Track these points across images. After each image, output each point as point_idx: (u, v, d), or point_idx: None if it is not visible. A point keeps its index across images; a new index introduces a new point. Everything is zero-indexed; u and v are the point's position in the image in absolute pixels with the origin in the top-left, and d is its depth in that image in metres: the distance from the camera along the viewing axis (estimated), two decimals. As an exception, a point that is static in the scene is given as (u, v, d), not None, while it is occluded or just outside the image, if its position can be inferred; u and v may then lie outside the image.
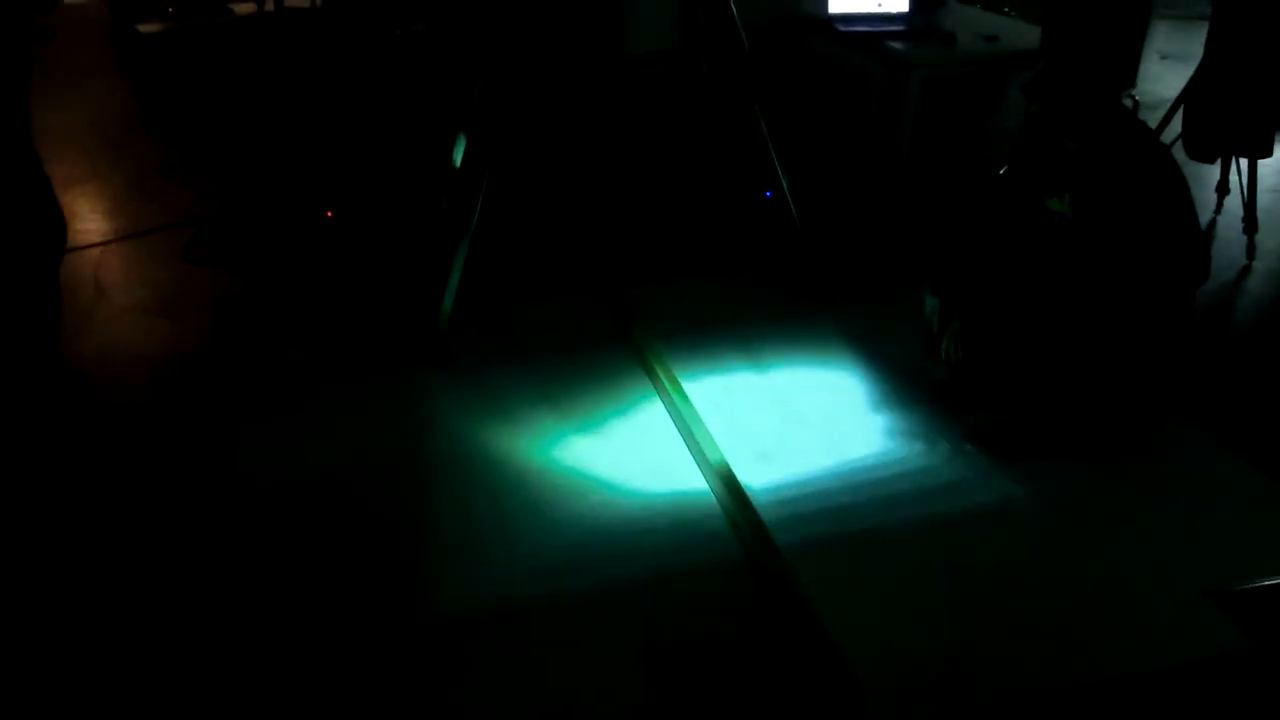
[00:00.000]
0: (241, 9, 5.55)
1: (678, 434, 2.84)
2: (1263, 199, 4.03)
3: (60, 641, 2.18)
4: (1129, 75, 4.65)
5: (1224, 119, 3.81)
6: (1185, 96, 3.96)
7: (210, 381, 3.09)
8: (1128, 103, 4.79)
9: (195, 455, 2.77)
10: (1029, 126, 2.84)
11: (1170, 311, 2.76)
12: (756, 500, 2.54)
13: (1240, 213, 3.94)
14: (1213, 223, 4.14)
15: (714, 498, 2.60)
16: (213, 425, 2.89)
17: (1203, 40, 3.88)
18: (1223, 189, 4.18)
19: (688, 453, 2.76)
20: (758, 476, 2.63)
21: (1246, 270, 3.83)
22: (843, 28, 4.61)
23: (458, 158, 3.42)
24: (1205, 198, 4.13)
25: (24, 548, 2.45)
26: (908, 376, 3.05)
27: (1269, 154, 3.85)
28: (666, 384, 2.99)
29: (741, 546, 2.44)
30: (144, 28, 5.27)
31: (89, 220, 4.11)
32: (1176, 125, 4.04)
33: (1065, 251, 2.75)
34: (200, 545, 2.44)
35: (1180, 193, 2.70)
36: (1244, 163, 3.91)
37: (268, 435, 2.85)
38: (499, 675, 2.09)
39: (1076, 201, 2.73)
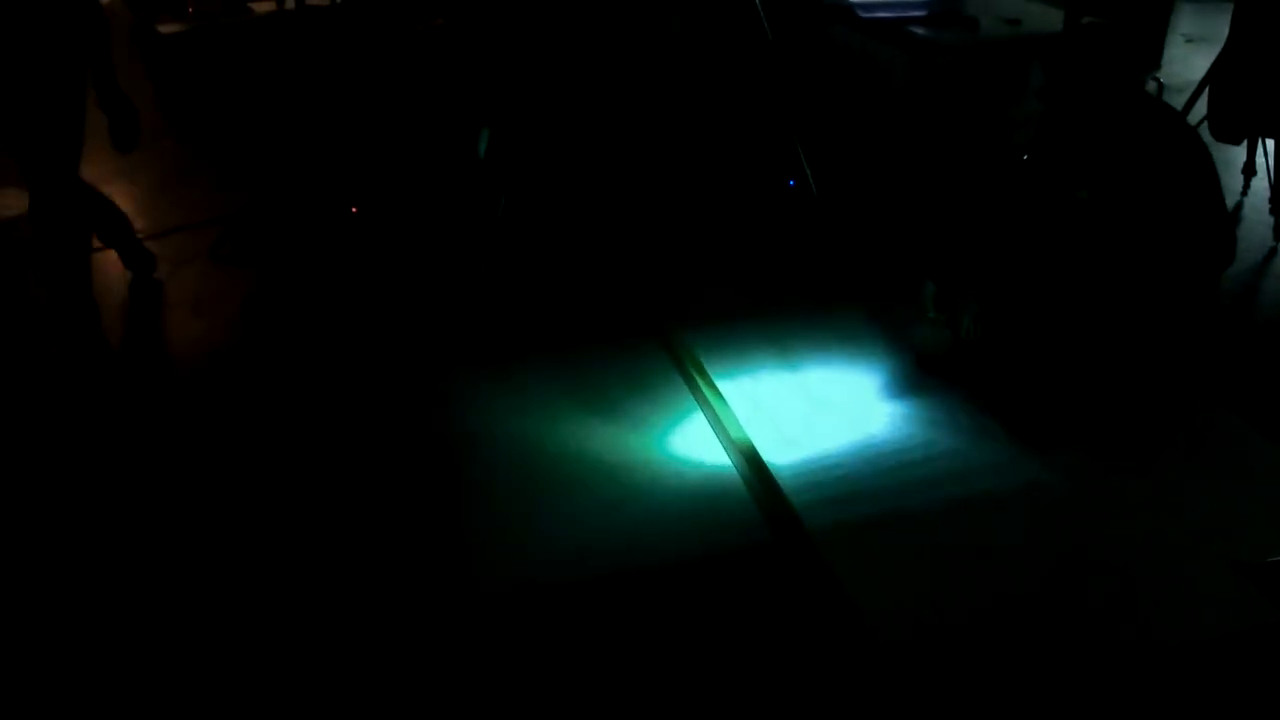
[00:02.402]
0: (261, 7, 5.58)
1: (705, 420, 2.86)
2: (1289, 180, 4.00)
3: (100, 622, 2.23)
4: (1153, 58, 4.62)
5: (1250, 100, 3.78)
6: (1210, 78, 3.93)
7: (243, 378, 3.13)
8: (1152, 85, 4.77)
9: (228, 450, 2.81)
10: (1049, 114, 2.83)
11: (1197, 294, 2.75)
12: (784, 484, 2.55)
13: (1267, 194, 3.91)
14: (1239, 205, 4.12)
15: (742, 482, 2.62)
16: (245, 421, 2.92)
17: (1228, 22, 3.85)
18: (1249, 170, 4.15)
19: (715, 438, 2.78)
20: (785, 461, 2.64)
21: (1273, 252, 3.81)
22: (864, 14, 4.60)
23: (482, 149, 3.44)
24: (1231, 179, 4.10)
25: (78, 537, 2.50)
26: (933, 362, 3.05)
27: (1295, 135, 3.82)
28: (694, 372, 3.00)
29: (770, 530, 2.46)
30: (164, 28, 5.29)
31: (117, 219, 4.14)
32: (1201, 107, 4.01)
33: (1090, 236, 2.74)
34: (227, 535, 2.49)
35: (1207, 175, 2.69)
36: (1270, 144, 3.88)
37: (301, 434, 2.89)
38: (534, 652, 2.13)
39: (1097, 186, 2.72)
